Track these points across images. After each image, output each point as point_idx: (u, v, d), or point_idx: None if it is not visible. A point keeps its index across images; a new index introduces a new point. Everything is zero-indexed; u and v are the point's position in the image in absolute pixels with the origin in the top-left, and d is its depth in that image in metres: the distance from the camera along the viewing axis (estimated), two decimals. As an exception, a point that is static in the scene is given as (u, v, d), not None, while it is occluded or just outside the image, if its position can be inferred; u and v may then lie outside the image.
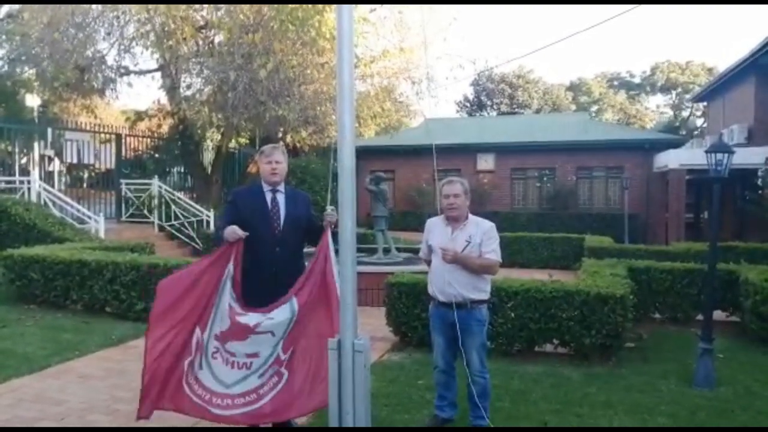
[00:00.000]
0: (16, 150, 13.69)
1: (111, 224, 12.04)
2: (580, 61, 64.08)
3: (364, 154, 17.00)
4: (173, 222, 12.93)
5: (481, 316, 3.73)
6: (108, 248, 8.27)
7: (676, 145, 19.12)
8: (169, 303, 3.29)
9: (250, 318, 3.26)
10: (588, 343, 5.31)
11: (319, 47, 12.05)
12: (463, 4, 23.61)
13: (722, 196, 6.09)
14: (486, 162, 20.32)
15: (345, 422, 2.65)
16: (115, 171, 14.37)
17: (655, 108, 43.81)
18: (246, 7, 11.69)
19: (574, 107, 38.80)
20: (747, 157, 13.56)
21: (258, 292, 3.35)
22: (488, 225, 3.78)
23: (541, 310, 5.38)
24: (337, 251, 2.85)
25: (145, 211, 13.22)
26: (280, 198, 3.60)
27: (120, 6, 12.30)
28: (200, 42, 13.16)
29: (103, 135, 15.00)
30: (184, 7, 11.99)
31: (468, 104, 38.05)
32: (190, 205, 13.22)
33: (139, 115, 18.08)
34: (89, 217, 10.83)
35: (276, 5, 11.36)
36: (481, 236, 3.70)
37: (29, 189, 11.06)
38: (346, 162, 2.71)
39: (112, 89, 14.56)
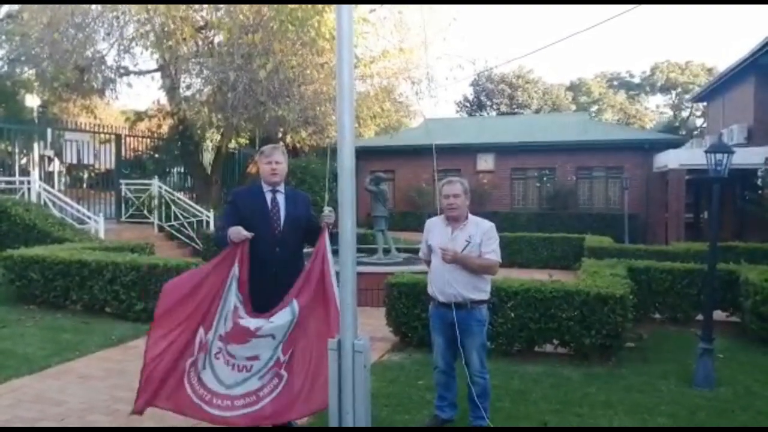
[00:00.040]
0: (16, 150, 13.70)
1: (111, 224, 12.04)
2: (579, 61, 64.20)
3: (363, 154, 17.00)
4: (173, 222, 12.93)
5: (481, 317, 3.73)
6: (108, 249, 8.26)
7: (676, 145, 19.12)
8: (173, 303, 3.30)
9: (252, 322, 3.26)
10: (588, 343, 5.31)
11: (319, 47, 12.05)
12: (463, 4, 23.61)
13: (722, 196, 6.10)
14: (486, 162, 20.32)
15: (345, 422, 2.65)
16: (114, 171, 14.37)
17: (655, 108, 43.88)
18: (246, 7, 11.69)
19: (573, 107, 38.80)
20: (747, 157, 13.55)
21: (258, 292, 3.35)
22: (488, 225, 3.78)
23: (541, 310, 5.38)
24: (336, 252, 2.85)
25: (145, 212, 13.22)
26: (280, 198, 3.60)
27: (120, 6, 12.29)
28: (200, 42, 13.17)
29: (102, 135, 15.01)
30: (183, 7, 11.99)
31: (468, 104, 38.07)
32: (190, 206, 13.22)
33: (139, 116, 18.10)
34: (89, 218, 10.83)
35: (276, 5, 11.36)
36: (481, 236, 3.70)
37: (29, 189, 11.06)
38: (346, 162, 2.71)
39: (111, 89, 14.58)
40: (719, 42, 59.70)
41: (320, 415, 3.48)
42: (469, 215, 3.81)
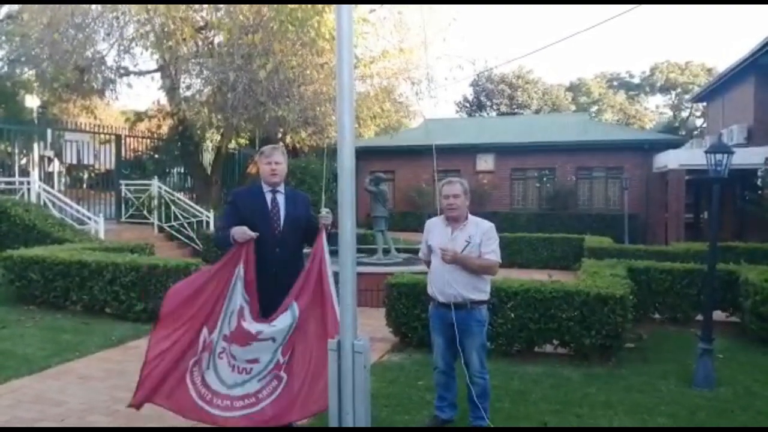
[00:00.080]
0: (16, 151, 13.71)
1: (111, 225, 12.04)
2: (579, 61, 64.16)
3: (363, 154, 17.00)
4: (173, 223, 12.92)
5: (481, 317, 3.73)
6: (108, 249, 8.27)
7: (676, 145, 19.14)
8: (176, 304, 3.32)
9: (254, 326, 3.27)
10: (588, 343, 5.31)
11: (319, 48, 12.06)
12: (463, 4, 23.60)
13: (722, 196, 6.09)
14: (486, 162, 20.33)
15: (345, 423, 2.65)
16: (114, 172, 14.37)
17: (655, 108, 43.86)
18: (246, 7, 11.69)
19: (573, 107, 38.81)
20: (746, 157, 13.55)
21: (258, 292, 3.35)
22: (488, 225, 3.79)
23: (540, 311, 5.37)
24: (336, 252, 2.85)
25: (145, 212, 13.21)
26: (280, 198, 3.60)
27: (120, 6, 12.30)
28: (200, 43, 13.17)
29: (102, 136, 15.01)
30: (183, 7, 11.99)
31: (468, 104, 38.07)
32: (190, 206, 13.21)
33: (139, 116, 18.09)
34: (89, 218, 10.82)
35: (276, 5, 11.36)
36: (481, 236, 3.70)
37: (29, 190, 11.06)
38: (346, 162, 2.71)
39: (111, 90, 14.59)
40: (719, 42, 59.79)
41: (320, 416, 3.48)
42: (469, 215, 3.81)
